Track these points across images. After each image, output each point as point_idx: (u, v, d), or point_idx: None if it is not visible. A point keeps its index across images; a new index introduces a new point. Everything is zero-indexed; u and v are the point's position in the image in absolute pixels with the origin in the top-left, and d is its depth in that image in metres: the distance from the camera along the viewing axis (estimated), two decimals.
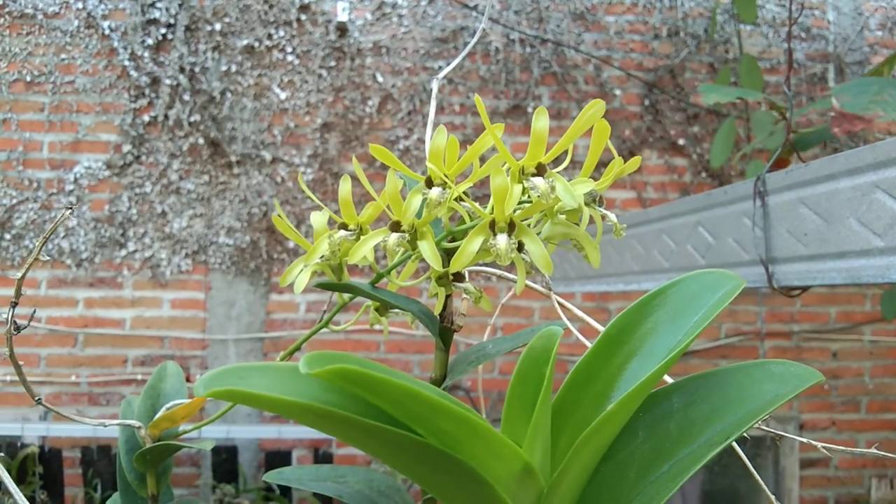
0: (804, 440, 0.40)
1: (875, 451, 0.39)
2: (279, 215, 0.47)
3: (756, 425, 0.45)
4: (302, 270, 0.45)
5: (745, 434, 0.44)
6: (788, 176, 0.69)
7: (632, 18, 2.41)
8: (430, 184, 0.38)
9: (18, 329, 0.39)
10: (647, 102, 2.37)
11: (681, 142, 2.37)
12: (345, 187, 0.42)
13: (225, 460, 2.04)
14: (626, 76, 2.36)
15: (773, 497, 0.42)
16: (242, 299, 2.21)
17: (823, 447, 0.40)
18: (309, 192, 0.44)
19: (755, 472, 0.40)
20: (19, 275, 0.44)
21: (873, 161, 0.60)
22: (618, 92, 2.36)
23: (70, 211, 0.36)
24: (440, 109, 2.32)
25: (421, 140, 2.31)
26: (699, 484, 2.30)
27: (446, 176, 0.37)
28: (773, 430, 0.42)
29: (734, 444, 0.43)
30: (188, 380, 2.13)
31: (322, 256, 0.44)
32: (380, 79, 2.28)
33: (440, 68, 2.31)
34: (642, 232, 0.96)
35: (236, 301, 2.20)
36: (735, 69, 1.97)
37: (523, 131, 2.33)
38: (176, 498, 0.57)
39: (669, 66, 2.38)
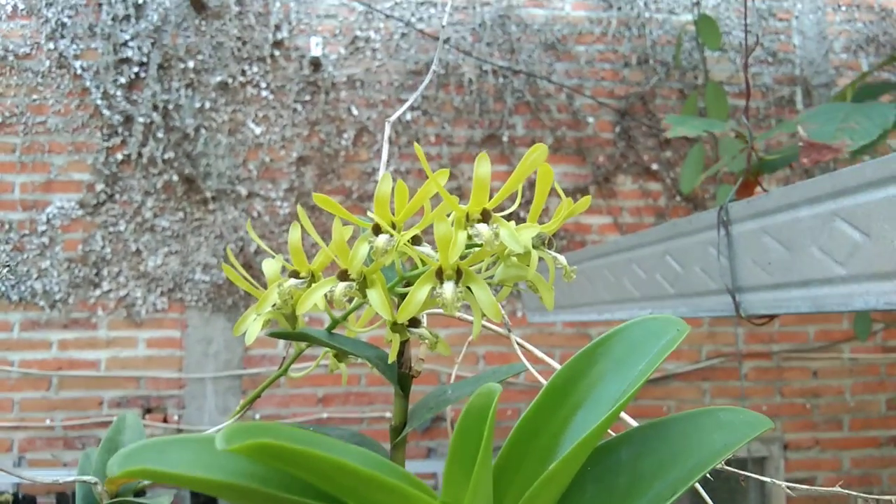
0: (767, 480, 0.40)
1: (839, 489, 0.39)
2: (231, 264, 0.46)
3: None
4: (254, 320, 0.44)
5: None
6: (750, 205, 0.69)
7: (602, 48, 2.44)
8: (377, 231, 0.37)
9: None
10: (619, 129, 2.39)
11: (654, 167, 2.39)
12: (294, 235, 0.42)
13: (206, 501, 2.00)
14: (598, 104, 2.38)
15: None
16: (220, 336, 2.18)
17: (787, 486, 0.40)
18: (257, 239, 0.43)
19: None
20: None
21: (832, 190, 0.60)
22: (590, 119, 2.38)
23: (8, 269, 0.34)
24: (416, 140, 2.32)
25: (398, 171, 2.31)
26: None
27: (393, 224, 0.37)
28: (739, 471, 0.42)
29: (696, 484, 0.42)
30: (165, 420, 2.10)
31: (274, 305, 0.43)
32: (354, 112, 2.29)
33: (414, 100, 2.32)
34: (613, 261, 0.96)
35: (213, 338, 2.18)
36: (704, 94, 2.00)
37: (499, 160, 2.34)
38: None
39: (640, 94, 2.42)
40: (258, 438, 0.20)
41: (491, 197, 0.37)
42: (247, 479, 0.22)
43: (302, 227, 0.41)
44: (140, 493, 0.57)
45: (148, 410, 2.11)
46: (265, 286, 0.46)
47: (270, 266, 0.44)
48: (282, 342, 2.21)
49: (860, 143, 0.97)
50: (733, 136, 1.28)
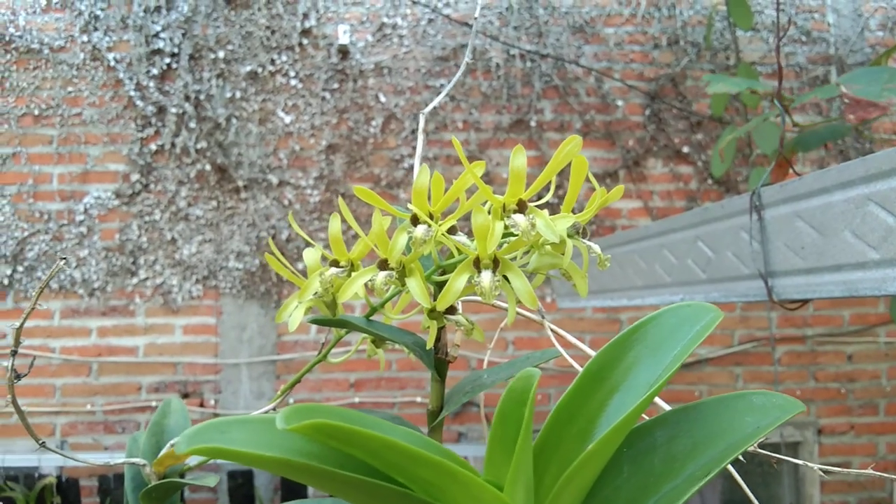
0: (800, 462, 0.40)
1: (871, 471, 0.39)
2: (272, 253, 0.48)
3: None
4: (296, 307, 0.46)
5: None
6: (783, 190, 0.69)
7: (631, 29, 2.41)
8: (415, 221, 0.38)
9: (19, 377, 0.40)
10: (649, 112, 2.37)
11: (685, 150, 2.37)
12: (334, 225, 0.43)
13: (241, 485, 2.05)
14: (628, 87, 2.36)
15: None
16: (254, 322, 2.22)
17: (819, 468, 0.40)
18: (299, 230, 0.45)
19: (748, 490, 0.40)
20: (28, 310, 0.44)
21: (865, 174, 0.60)
22: (620, 103, 2.37)
23: (65, 261, 0.36)
24: (443, 126, 2.33)
25: (426, 158, 2.32)
26: (718, 493, 2.28)
27: (431, 214, 0.38)
28: (771, 454, 0.42)
29: (729, 466, 0.43)
30: (202, 405, 2.15)
31: (315, 293, 0.45)
32: (382, 99, 2.30)
33: (442, 86, 2.32)
34: (644, 247, 0.96)
35: (248, 325, 2.22)
36: (736, 76, 1.97)
37: (527, 145, 2.33)
38: None
39: (670, 75, 2.39)
40: (315, 419, 0.21)
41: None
42: (303, 456, 0.23)
43: (342, 217, 0.43)
44: (181, 476, 0.59)
45: (185, 395, 2.16)
46: (301, 273, 0.47)
47: (311, 255, 0.46)
48: (314, 328, 2.24)
49: None
50: (770, 101, 1.26)
